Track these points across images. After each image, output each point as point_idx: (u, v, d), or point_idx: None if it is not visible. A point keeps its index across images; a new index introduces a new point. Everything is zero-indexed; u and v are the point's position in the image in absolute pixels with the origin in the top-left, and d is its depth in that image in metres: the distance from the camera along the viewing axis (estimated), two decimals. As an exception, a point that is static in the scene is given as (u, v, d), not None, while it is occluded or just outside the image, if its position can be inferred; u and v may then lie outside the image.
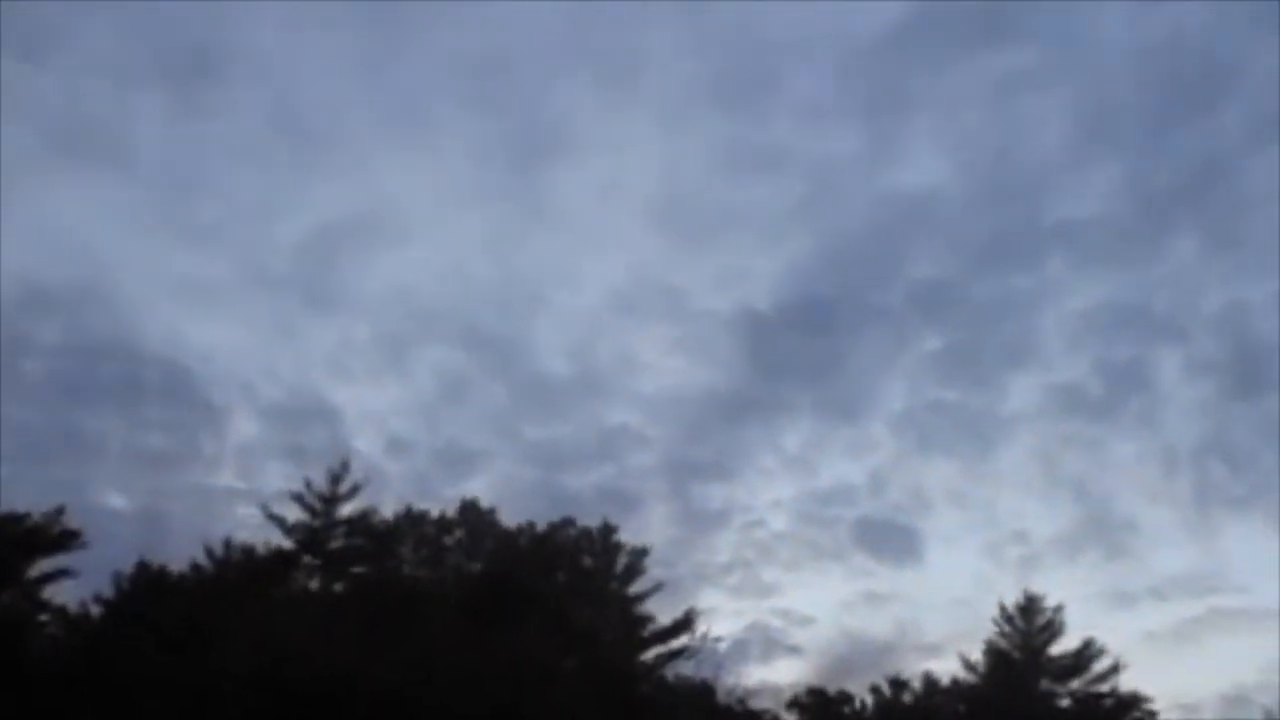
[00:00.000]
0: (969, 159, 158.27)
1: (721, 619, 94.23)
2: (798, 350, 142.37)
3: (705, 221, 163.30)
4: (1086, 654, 77.48)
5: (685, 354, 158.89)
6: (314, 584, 61.18)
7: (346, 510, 62.76)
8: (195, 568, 61.03)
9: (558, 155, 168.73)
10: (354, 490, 63.00)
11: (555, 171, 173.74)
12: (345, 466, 63.49)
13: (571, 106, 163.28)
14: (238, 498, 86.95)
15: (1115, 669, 76.97)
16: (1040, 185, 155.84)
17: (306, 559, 61.16)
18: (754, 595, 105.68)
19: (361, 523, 62.65)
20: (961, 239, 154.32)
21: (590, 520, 68.92)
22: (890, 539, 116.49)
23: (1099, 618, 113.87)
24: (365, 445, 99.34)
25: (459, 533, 65.65)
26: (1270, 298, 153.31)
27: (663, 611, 67.26)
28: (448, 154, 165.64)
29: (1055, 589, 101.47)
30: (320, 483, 62.72)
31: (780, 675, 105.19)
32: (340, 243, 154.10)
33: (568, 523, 68.29)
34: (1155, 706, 77.91)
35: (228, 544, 61.60)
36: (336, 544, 61.88)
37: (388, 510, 64.73)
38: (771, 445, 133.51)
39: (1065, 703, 77.64)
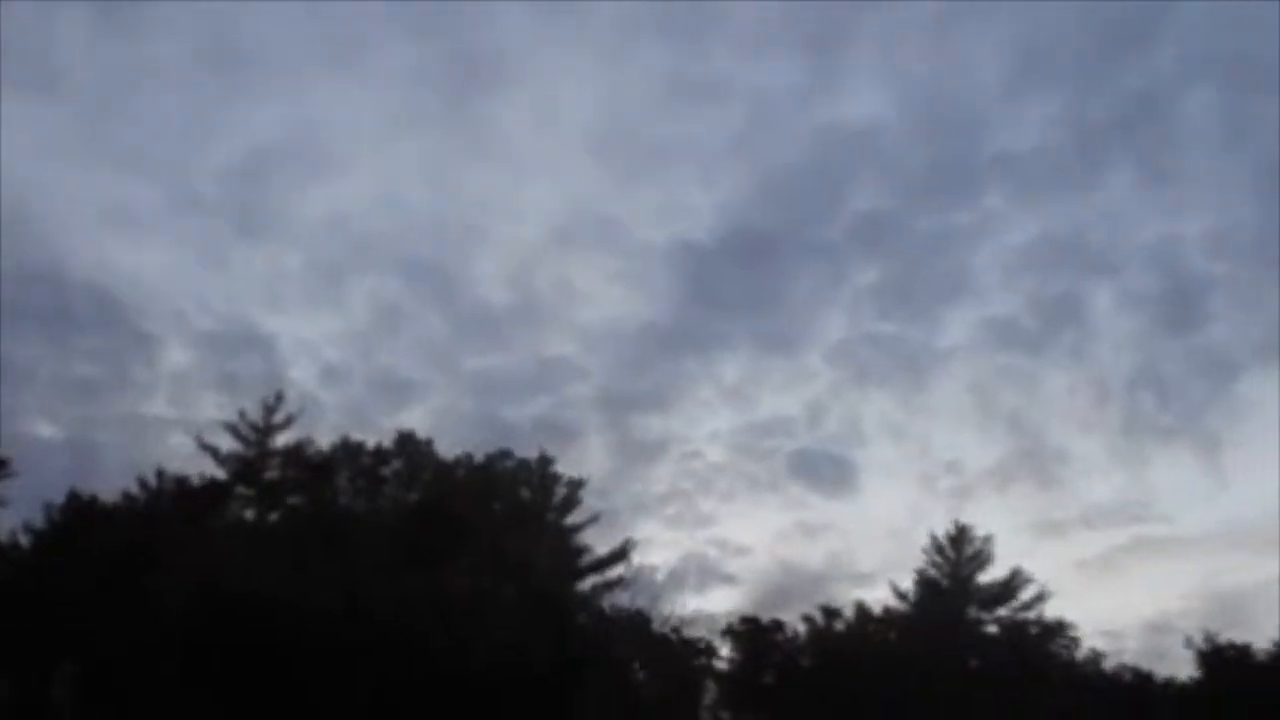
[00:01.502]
0: (909, 92, 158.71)
1: (658, 549, 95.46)
2: (736, 282, 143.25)
3: (645, 153, 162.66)
4: (1014, 583, 79.20)
5: (624, 285, 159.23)
6: (249, 514, 60.81)
7: (281, 440, 62.65)
8: (127, 497, 60.56)
9: (496, 84, 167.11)
10: (289, 420, 62.84)
11: (493, 100, 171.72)
12: (280, 396, 63.35)
13: (510, 35, 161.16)
14: (170, 427, 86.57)
15: (1041, 597, 78.86)
16: (979, 118, 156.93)
17: (241, 489, 60.74)
18: (691, 526, 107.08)
19: (297, 453, 62.28)
20: (900, 172, 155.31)
21: (528, 451, 69.12)
22: (826, 470, 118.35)
23: (1029, 547, 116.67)
24: (300, 375, 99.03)
25: (396, 464, 65.29)
26: (1202, 232, 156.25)
27: (600, 542, 67.87)
28: (384, 80, 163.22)
29: (987, 519, 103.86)
30: (254, 412, 62.48)
31: (716, 604, 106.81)
32: (273, 168, 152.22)
33: (505, 454, 68.34)
34: (1079, 633, 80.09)
35: (160, 474, 61.24)
36: (271, 474, 61.53)
37: (323, 441, 64.47)
38: (709, 377, 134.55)
39: (992, 630, 79.47)
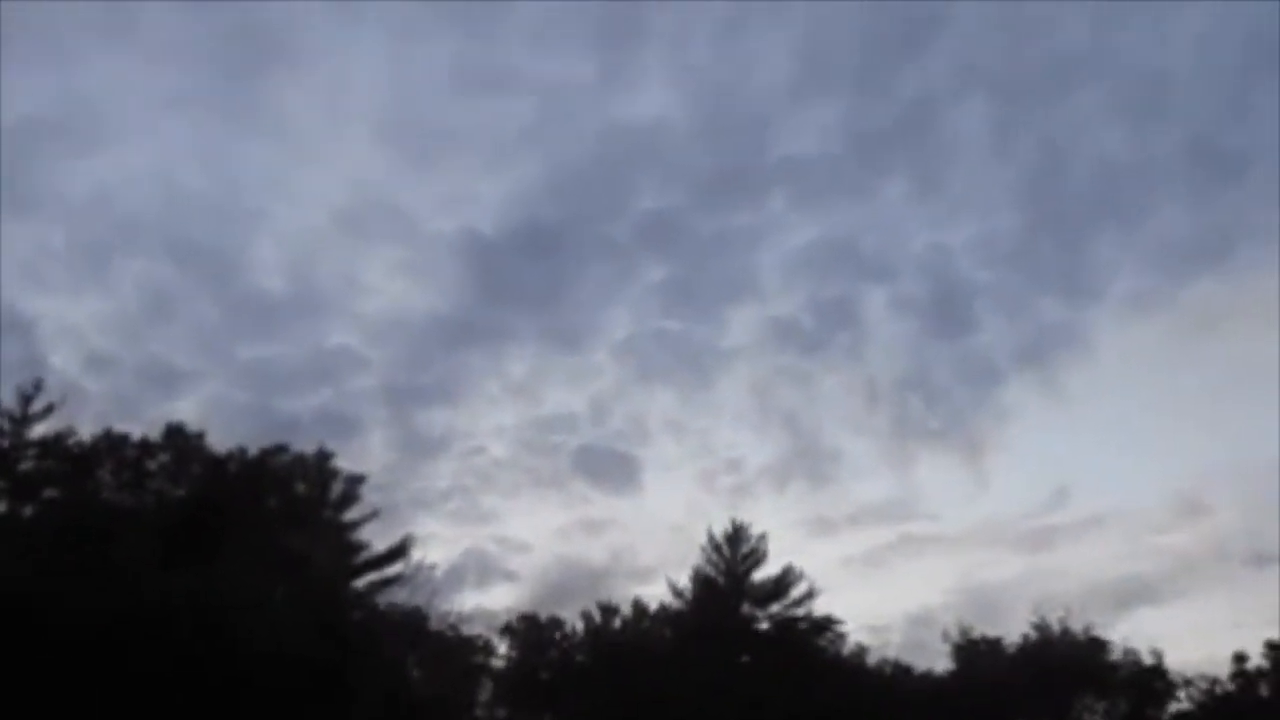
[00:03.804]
0: (696, 92, 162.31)
1: (439, 545, 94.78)
2: (523, 276, 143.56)
3: (432, 141, 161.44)
4: (786, 580, 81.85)
5: (409, 276, 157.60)
6: (1, 507, 57.61)
7: (39, 431, 59.50)
8: None
9: (279, 62, 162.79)
10: (48, 409, 59.70)
11: (275, 79, 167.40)
12: (38, 384, 60.11)
13: (295, 13, 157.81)
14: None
15: (811, 594, 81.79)
16: (764, 121, 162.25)
17: (-8, 481, 57.52)
18: (472, 522, 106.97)
19: (56, 444, 59.36)
20: (687, 172, 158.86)
21: (306, 445, 67.39)
22: (609, 467, 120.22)
23: (802, 544, 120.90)
24: (61, 361, 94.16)
25: (163, 457, 62.77)
26: (968, 241, 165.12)
27: (379, 539, 66.75)
28: (158, 54, 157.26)
29: (764, 517, 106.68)
30: (9, 400, 59.17)
31: (495, 601, 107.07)
32: (35, 142, 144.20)
33: (281, 448, 66.36)
34: (846, 628, 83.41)
35: (-99, 464, 57.34)
36: (27, 466, 58.41)
37: (85, 432, 61.47)
38: (495, 372, 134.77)
39: (765, 626, 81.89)
